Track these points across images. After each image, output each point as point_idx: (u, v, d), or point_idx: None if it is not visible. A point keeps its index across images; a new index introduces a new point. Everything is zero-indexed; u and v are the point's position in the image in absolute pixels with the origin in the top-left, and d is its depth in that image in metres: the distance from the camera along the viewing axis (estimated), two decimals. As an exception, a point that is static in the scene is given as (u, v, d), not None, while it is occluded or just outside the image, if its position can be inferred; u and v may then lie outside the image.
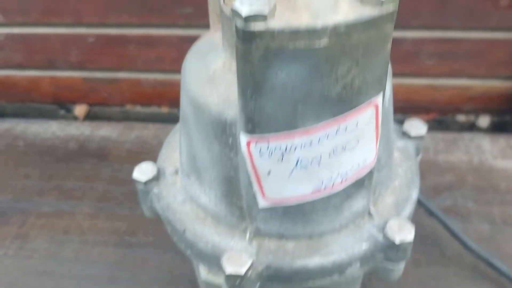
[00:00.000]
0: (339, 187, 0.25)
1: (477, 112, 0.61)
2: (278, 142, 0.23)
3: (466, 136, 0.57)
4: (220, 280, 0.35)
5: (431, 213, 0.43)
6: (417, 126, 0.34)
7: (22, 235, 0.46)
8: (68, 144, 0.57)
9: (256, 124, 0.22)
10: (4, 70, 0.62)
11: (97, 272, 0.43)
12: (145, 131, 0.58)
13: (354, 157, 0.24)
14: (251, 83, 0.20)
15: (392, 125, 0.29)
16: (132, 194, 0.50)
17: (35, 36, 0.58)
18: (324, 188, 0.25)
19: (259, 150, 0.23)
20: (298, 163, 0.24)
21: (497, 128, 0.62)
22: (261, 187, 0.25)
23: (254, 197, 0.26)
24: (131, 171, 0.52)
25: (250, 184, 0.25)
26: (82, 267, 0.43)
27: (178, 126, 0.36)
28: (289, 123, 0.22)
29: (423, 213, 0.46)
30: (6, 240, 0.46)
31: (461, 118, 0.62)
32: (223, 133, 0.25)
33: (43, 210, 0.49)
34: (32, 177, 0.53)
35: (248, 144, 0.23)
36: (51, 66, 0.61)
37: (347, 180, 0.25)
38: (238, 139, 0.24)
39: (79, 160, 0.55)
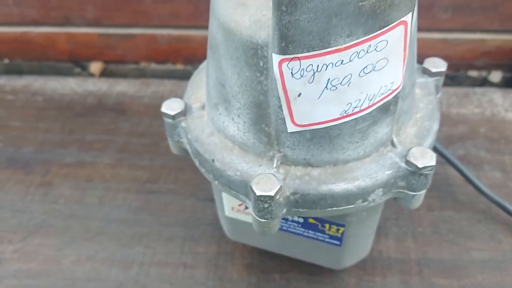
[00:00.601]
0: (366, 111, 0.26)
1: (490, 67, 0.62)
2: (310, 60, 0.23)
3: (478, 90, 0.58)
4: (242, 216, 0.37)
5: (445, 159, 0.44)
6: (437, 64, 0.35)
7: (46, 183, 0.48)
8: (86, 100, 0.58)
9: (289, 41, 0.23)
10: (20, 27, 0.62)
11: (121, 215, 0.44)
12: (161, 87, 0.59)
13: (382, 78, 0.25)
14: (287, -6, 0.21)
15: (415, 55, 0.30)
16: (152, 146, 0.52)
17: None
18: (352, 111, 0.26)
19: (291, 69, 0.24)
20: (329, 83, 0.24)
21: (509, 83, 0.62)
22: (290, 111, 0.26)
23: (283, 122, 0.27)
24: (150, 124, 0.54)
25: (280, 107, 0.26)
26: (107, 211, 0.45)
27: (202, 65, 0.36)
28: (322, 39, 0.23)
29: (437, 161, 0.47)
30: (31, 187, 0.47)
31: (473, 73, 0.62)
32: (254, 55, 0.25)
33: (65, 161, 0.50)
34: (53, 131, 0.54)
35: (280, 64, 0.24)
36: (67, 22, 0.61)
37: (374, 104, 0.26)
38: (270, 61, 0.25)
39: (98, 115, 0.56)
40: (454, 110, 0.55)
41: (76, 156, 0.50)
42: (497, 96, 0.57)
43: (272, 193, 0.27)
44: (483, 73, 0.62)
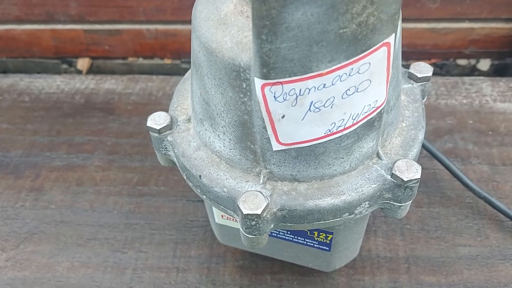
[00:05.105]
0: (350, 129, 0.26)
1: (479, 56, 0.62)
2: (292, 85, 0.23)
3: (467, 80, 0.58)
4: (232, 223, 0.37)
5: (432, 155, 0.44)
6: (423, 69, 0.34)
7: (36, 187, 0.48)
8: (74, 98, 0.57)
9: (271, 68, 0.23)
10: (3, 25, 0.61)
11: (113, 220, 0.45)
12: (149, 83, 0.59)
13: (366, 98, 0.25)
14: (267, 24, 0.21)
15: (400, 67, 0.30)
16: (141, 146, 0.51)
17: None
18: (336, 130, 0.26)
19: (273, 94, 0.24)
20: (312, 105, 0.24)
21: (497, 71, 0.62)
22: (275, 131, 0.26)
23: (268, 141, 0.27)
24: (138, 124, 0.54)
25: (264, 128, 0.26)
26: (99, 215, 0.45)
27: (187, 73, 0.36)
28: (304, 65, 0.22)
29: (425, 156, 0.48)
30: (21, 193, 0.47)
31: (462, 62, 0.62)
32: (237, 78, 0.25)
33: (55, 164, 0.50)
34: (41, 133, 0.53)
35: (263, 88, 0.24)
36: (50, 19, 0.60)
37: (358, 122, 0.26)
38: (252, 83, 0.24)
39: (86, 115, 0.55)
40: (443, 101, 0.55)
41: (65, 159, 0.50)
42: (485, 86, 0.57)
43: (259, 212, 0.27)
44: (472, 61, 0.62)
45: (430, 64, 0.63)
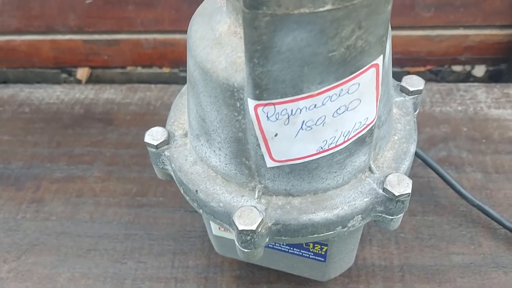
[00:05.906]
0: (342, 146, 0.27)
1: (473, 62, 0.62)
2: (284, 105, 0.24)
3: (462, 86, 0.58)
4: (229, 235, 0.38)
5: (427, 164, 0.45)
6: (414, 83, 0.35)
7: (37, 199, 0.49)
8: (73, 109, 0.58)
9: (263, 89, 0.23)
10: (3, 36, 0.62)
11: (112, 231, 0.45)
12: (148, 93, 0.59)
13: (356, 116, 0.26)
14: (258, 49, 0.21)
15: (391, 82, 0.31)
16: (140, 157, 0.52)
17: (32, 0, 0.58)
18: (328, 147, 0.27)
19: (266, 114, 0.24)
20: (304, 124, 0.25)
21: (492, 77, 0.63)
22: (268, 149, 0.27)
23: (262, 157, 0.27)
24: (137, 135, 0.55)
25: (258, 145, 0.27)
26: (98, 226, 0.46)
27: (184, 88, 0.37)
28: (294, 86, 0.23)
29: (419, 165, 0.48)
30: (22, 204, 0.48)
31: (457, 68, 0.63)
32: (231, 97, 0.26)
33: (55, 176, 0.51)
34: (41, 145, 0.54)
35: (256, 108, 0.24)
36: (50, 30, 0.61)
37: (349, 139, 0.27)
38: (246, 103, 0.25)
39: (86, 125, 0.56)
40: (438, 109, 0.56)
41: (65, 171, 0.51)
42: (480, 92, 0.57)
43: (253, 227, 0.28)
44: (467, 68, 0.63)
45: (425, 70, 0.63)
